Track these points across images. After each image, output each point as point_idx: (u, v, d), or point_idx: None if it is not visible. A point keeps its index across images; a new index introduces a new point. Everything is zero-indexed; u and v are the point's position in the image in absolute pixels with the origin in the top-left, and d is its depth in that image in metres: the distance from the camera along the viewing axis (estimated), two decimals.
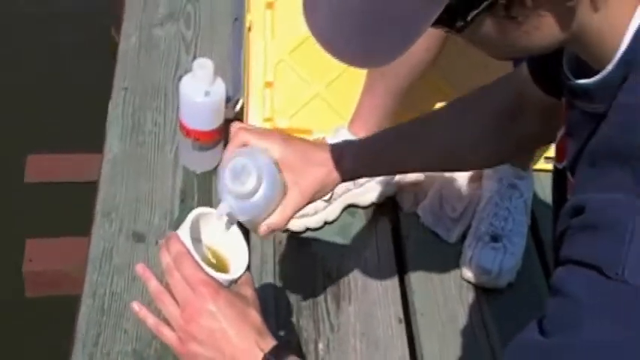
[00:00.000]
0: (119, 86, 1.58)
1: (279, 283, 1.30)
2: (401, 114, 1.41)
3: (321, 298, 1.30)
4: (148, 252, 1.33)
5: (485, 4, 0.62)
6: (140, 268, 0.89)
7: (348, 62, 0.66)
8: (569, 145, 0.77)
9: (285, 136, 0.99)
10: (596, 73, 0.69)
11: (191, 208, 0.95)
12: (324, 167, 0.98)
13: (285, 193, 0.94)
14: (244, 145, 0.95)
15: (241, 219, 0.93)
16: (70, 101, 2.25)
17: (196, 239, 0.90)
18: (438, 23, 0.63)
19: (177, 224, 1.02)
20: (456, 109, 1.05)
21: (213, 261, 0.91)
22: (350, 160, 1.00)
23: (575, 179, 0.74)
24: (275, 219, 0.94)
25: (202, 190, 1.43)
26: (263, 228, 0.94)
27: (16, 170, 1.83)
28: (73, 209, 1.58)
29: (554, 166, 0.86)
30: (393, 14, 0.62)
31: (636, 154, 0.63)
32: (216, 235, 0.92)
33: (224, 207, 0.91)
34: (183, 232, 0.88)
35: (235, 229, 0.93)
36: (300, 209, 0.97)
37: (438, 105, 1.52)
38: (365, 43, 0.64)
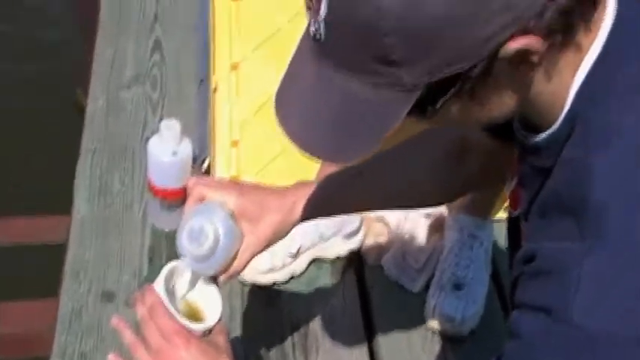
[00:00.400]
0: (87, 148, 1.61)
1: (247, 336, 1.32)
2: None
3: (289, 350, 1.32)
4: (118, 311, 1.34)
5: (452, 91, 0.65)
6: (115, 320, 0.92)
7: (324, 160, 0.70)
8: (521, 195, 0.82)
9: (241, 186, 1.03)
10: (545, 129, 0.73)
11: (160, 267, 0.98)
12: (279, 213, 1.01)
13: (242, 242, 0.98)
14: (201, 199, 0.99)
15: (201, 274, 0.96)
16: (35, 165, 2.27)
17: (171, 290, 0.92)
18: (410, 115, 0.66)
19: (146, 283, 1.04)
20: (405, 149, 1.07)
21: (187, 311, 0.94)
22: (304, 204, 1.03)
23: (527, 228, 0.78)
24: (233, 266, 0.97)
25: (171, 248, 1.44)
26: (222, 277, 0.98)
27: None
28: (41, 271, 1.58)
29: (509, 214, 0.91)
30: (362, 118, 0.65)
31: (580, 206, 0.67)
32: (190, 286, 0.95)
33: (184, 265, 0.95)
34: (158, 284, 0.91)
35: (208, 280, 0.96)
36: (257, 254, 1.00)
37: None
38: (338, 146, 0.67)
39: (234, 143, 1.55)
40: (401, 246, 1.45)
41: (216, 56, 1.62)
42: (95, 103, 1.72)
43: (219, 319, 0.94)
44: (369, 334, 1.37)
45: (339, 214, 1.27)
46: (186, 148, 1.42)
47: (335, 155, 0.69)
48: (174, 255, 1.43)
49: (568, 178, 0.70)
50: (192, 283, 0.95)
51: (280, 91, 0.72)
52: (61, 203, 1.58)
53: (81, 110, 1.75)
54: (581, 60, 0.68)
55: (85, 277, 1.39)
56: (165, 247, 1.45)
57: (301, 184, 1.08)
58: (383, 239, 1.47)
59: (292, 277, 1.41)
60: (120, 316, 0.93)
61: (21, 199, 2.04)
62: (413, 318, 1.37)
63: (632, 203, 0.65)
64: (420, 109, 0.66)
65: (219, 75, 1.61)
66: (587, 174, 0.67)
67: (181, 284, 0.95)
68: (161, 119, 1.55)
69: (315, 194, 1.05)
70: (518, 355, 0.70)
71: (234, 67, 1.62)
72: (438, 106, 0.66)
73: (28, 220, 1.79)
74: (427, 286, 1.40)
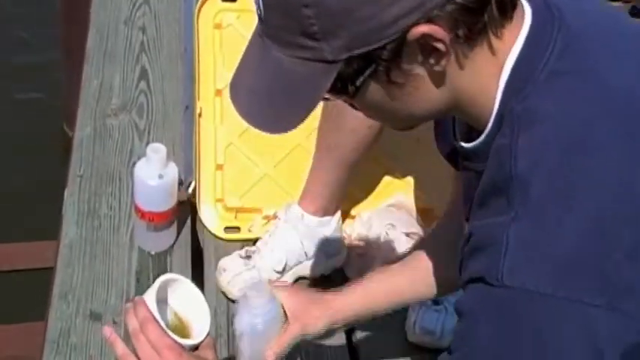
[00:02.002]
0: (74, 174, 1.65)
1: (233, 354, 1.35)
2: (347, 188, 1.51)
3: None
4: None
5: (368, 70, 0.72)
6: (107, 331, 0.94)
7: (262, 130, 0.77)
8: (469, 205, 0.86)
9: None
10: (481, 134, 0.79)
11: (147, 287, 1.01)
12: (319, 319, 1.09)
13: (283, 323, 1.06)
14: None
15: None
16: (22, 194, 2.30)
17: (162, 302, 0.95)
18: (334, 92, 0.74)
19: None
20: (423, 249, 1.14)
21: (177, 324, 0.96)
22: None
23: (470, 222, 0.82)
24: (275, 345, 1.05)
25: (157, 269, 1.48)
26: (268, 353, 1.04)
27: None
28: (28, 296, 1.61)
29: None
30: (293, 90, 0.73)
31: (507, 183, 0.73)
32: (181, 300, 0.98)
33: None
34: (149, 296, 0.94)
35: (200, 295, 0.99)
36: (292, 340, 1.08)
37: (381, 180, 1.63)
38: (276, 117, 0.75)
39: (219, 167, 1.60)
40: (383, 264, 1.49)
41: (200, 83, 1.67)
42: (82, 131, 1.75)
43: (208, 334, 0.97)
44: (352, 350, 1.40)
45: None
46: (173, 172, 1.46)
47: (273, 126, 0.77)
48: (160, 275, 1.48)
49: (497, 163, 0.76)
50: (185, 297, 0.98)
51: (235, 70, 0.79)
52: (49, 231, 1.61)
53: (67, 143, 1.78)
54: (501, 67, 0.75)
55: (73, 298, 1.42)
56: (151, 269, 1.48)
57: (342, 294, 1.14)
58: (365, 258, 1.51)
59: None
60: (111, 327, 0.95)
61: (5, 227, 2.07)
62: (394, 333, 1.41)
63: (551, 175, 0.71)
64: (343, 85, 0.74)
65: (204, 101, 1.66)
66: (511, 154, 0.73)
67: (173, 297, 0.98)
68: (147, 145, 1.59)
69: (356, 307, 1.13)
70: (462, 328, 0.75)
71: (219, 93, 1.66)
72: (358, 83, 0.73)
73: (15, 246, 1.82)
74: None
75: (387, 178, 1.63)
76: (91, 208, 1.58)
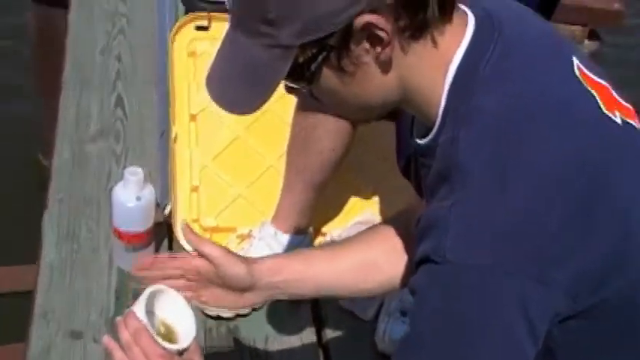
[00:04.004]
0: (54, 198, 1.70)
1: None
2: (317, 207, 1.58)
3: None
4: (86, 349, 1.42)
5: (320, 56, 0.81)
6: (106, 339, 0.99)
7: (229, 110, 0.86)
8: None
9: None
10: (430, 131, 0.87)
11: (126, 305, 1.05)
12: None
13: None
14: None
15: None
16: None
17: (150, 313, 1.01)
18: (294, 78, 0.83)
19: (113, 320, 1.11)
20: (372, 232, 1.17)
21: (164, 331, 1.02)
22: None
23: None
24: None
25: (136, 287, 1.53)
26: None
27: None
28: (5, 319, 1.64)
29: None
30: (256, 74, 0.83)
31: (450, 171, 0.82)
32: (167, 309, 1.04)
33: None
34: (139, 307, 0.99)
35: (184, 303, 1.04)
36: None
37: (350, 198, 1.70)
38: (243, 99, 0.85)
39: (195, 188, 1.66)
40: None
41: (176, 108, 1.74)
42: (61, 157, 1.80)
43: (194, 339, 1.02)
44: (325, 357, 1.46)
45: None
46: (150, 194, 1.52)
47: (239, 107, 0.86)
48: (139, 294, 1.53)
49: (442, 156, 0.84)
50: (170, 305, 1.04)
51: (211, 63, 0.88)
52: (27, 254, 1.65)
53: (42, 173, 1.82)
54: (447, 66, 0.84)
55: (53, 317, 1.46)
56: (130, 287, 1.53)
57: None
58: None
59: (253, 310, 1.50)
60: (109, 337, 0.99)
61: None
62: (365, 343, 1.47)
63: (488, 162, 0.80)
64: (300, 71, 0.83)
65: (179, 125, 1.72)
66: (453, 146, 0.82)
67: (159, 307, 1.04)
68: (124, 169, 1.65)
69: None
70: (415, 305, 0.83)
71: (193, 117, 1.73)
72: (313, 68, 0.83)
73: None
74: (378, 314, 1.50)
75: (355, 197, 1.70)
76: (70, 230, 1.63)
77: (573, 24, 3.10)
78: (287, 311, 1.52)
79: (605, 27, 3.24)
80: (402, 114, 1.01)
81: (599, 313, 0.82)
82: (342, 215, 1.68)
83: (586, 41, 3.17)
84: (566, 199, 0.79)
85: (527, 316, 0.77)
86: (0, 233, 2.24)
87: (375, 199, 1.71)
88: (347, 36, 0.80)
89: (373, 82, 0.85)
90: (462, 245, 0.78)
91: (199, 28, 1.86)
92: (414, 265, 0.84)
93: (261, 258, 1.13)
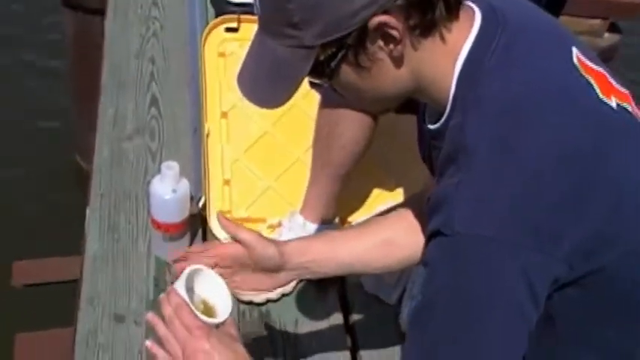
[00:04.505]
0: (95, 193, 1.80)
1: (245, 346, 1.49)
2: (343, 198, 1.66)
3: (280, 357, 1.49)
4: (129, 331, 1.52)
5: (340, 54, 0.90)
6: (150, 315, 1.08)
7: (258, 105, 0.95)
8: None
9: None
10: (441, 117, 0.96)
11: (164, 291, 1.14)
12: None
13: None
14: None
15: None
16: (45, 218, 2.47)
17: (190, 290, 1.10)
18: (316, 75, 0.92)
19: (153, 306, 1.19)
20: (390, 214, 1.26)
21: (203, 307, 1.11)
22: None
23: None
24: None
25: (173, 275, 1.63)
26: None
27: (3, 276, 2.01)
28: (57, 306, 1.76)
29: None
30: (282, 72, 0.92)
31: (458, 153, 0.90)
32: (205, 287, 1.13)
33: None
34: (180, 284, 1.08)
35: (221, 282, 1.13)
36: None
37: (374, 189, 1.79)
38: (271, 94, 0.94)
39: (226, 182, 1.75)
40: None
41: (208, 106, 1.83)
42: (101, 155, 1.91)
43: (230, 314, 1.12)
44: (352, 343, 1.55)
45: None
46: (185, 187, 1.61)
47: (267, 101, 0.96)
48: (176, 280, 1.63)
49: (451, 138, 0.93)
50: (208, 282, 1.13)
51: (242, 61, 0.97)
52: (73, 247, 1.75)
53: (80, 173, 1.92)
54: (455, 59, 0.93)
55: (98, 303, 1.57)
56: (168, 275, 1.63)
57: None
58: None
59: (283, 295, 1.59)
60: (153, 314, 1.08)
61: (35, 245, 2.23)
62: (390, 326, 1.55)
63: (492, 143, 0.88)
64: (321, 68, 0.92)
65: (211, 122, 1.82)
66: (461, 129, 0.90)
67: (198, 285, 1.13)
68: (160, 165, 1.75)
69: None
70: (428, 275, 0.91)
71: (224, 115, 1.83)
72: (333, 65, 0.91)
73: (41, 261, 1.97)
74: (401, 298, 1.58)
75: (378, 188, 1.79)
76: (111, 223, 1.74)
77: (593, 17, 3.15)
78: (315, 296, 1.61)
79: (624, 19, 3.28)
80: (421, 107, 1.09)
81: (593, 283, 0.90)
82: (366, 205, 1.76)
83: (606, 34, 3.21)
84: (563, 178, 0.87)
85: (529, 280, 0.85)
86: (44, 228, 2.36)
87: (398, 190, 1.79)
88: (363, 35, 0.89)
89: (388, 76, 0.93)
90: (469, 218, 0.86)
91: (229, 29, 1.95)
92: (426, 240, 0.93)
93: (289, 240, 1.22)
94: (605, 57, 3.15)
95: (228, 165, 1.77)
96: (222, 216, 1.17)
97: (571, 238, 0.86)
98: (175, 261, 1.17)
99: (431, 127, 1.00)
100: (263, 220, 1.72)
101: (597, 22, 3.13)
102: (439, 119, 0.97)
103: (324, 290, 1.62)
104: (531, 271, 0.85)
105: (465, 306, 0.87)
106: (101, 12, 2.31)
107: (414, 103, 1.06)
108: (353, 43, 0.90)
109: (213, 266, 1.16)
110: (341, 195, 1.66)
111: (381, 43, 0.90)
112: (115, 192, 1.81)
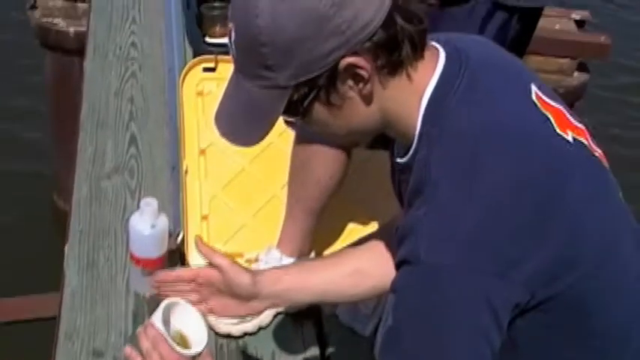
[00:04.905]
0: (75, 230, 1.83)
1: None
2: (319, 232, 1.70)
3: None
4: None
5: (312, 94, 0.95)
6: (128, 351, 1.11)
7: (235, 143, 0.99)
8: None
9: None
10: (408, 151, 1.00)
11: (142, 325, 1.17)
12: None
13: None
14: None
15: None
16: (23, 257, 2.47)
17: (166, 323, 1.13)
18: (289, 113, 0.96)
19: (132, 340, 1.22)
20: (361, 244, 1.30)
21: (179, 338, 1.13)
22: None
23: None
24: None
25: (151, 310, 1.64)
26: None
27: None
28: (36, 343, 1.76)
29: None
30: (257, 112, 0.96)
31: (424, 185, 0.94)
32: (182, 319, 1.15)
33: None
34: (157, 318, 1.11)
35: (197, 313, 1.16)
36: None
37: (349, 223, 1.82)
38: (242, 131, 0.98)
39: (204, 217, 1.78)
40: None
41: (186, 143, 1.87)
42: (79, 193, 1.93)
43: (207, 346, 1.14)
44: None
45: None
46: (163, 222, 1.64)
47: (245, 140, 0.99)
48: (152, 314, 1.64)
49: (417, 172, 0.97)
50: (184, 316, 1.15)
51: (219, 101, 1.01)
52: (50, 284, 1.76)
53: (57, 212, 1.93)
54: (421, 97, 0.98)
55: (77, 338, 1.58)
56: (147, 309, 1.65)
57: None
58: None
59: (260, 328, 1.62)
60: (131, 348, 1.11)
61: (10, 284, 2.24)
62: (365, 357, 1.58)
63: (456, 177, 0.93)
64: (295, 107, 0.97)
65: (190, 159, 1.86)
66: (427, 163, 0.95)
67: (175, 318, 1.15)
68: (139, 203, 1.77)
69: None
70: (395, 301, 0.95)
71: (202, 152, 1.87)
72: (306, 104, 0.96)
73: (20, 300, 1.98)
74: (376, 330, 1.61)
75: (353, 222, 1.82)
76: (90, 260, 1.76)
77: (563, 57, 3.25)
78: (292, 329, 1.64)
79: (592, 60, 3.39)
80: (392, 142, 1.14)
81: (553, 307, 0.94)
82: (341, 239, 1.79)
83: (575, 73, 3.31)
84: (521, 210, 0.92)
85: (492, 306, 0.90)
86: (20, 267, 2.36)
87: (372, 224, 1.82)
88: (334, 75, 0.94)
89: (359, 113, 0.98)
90: (432, 248, 0.91)
91: (207, 69, 2.00)
92: (395, 268, 0.97)
93: (264, 270, 1.25)
94: (573, 96, 3.26)
95: (207, 201, 1.80)
96: (199, 240, 1.20)
97: (531, 264, 0.91)
98: (155, 283, 1.20)
99: (399, 160, 1.04)
100: (240, 255, 1.75)
101: (566, 61, 3.23)
102: (407, 153, 1.02)
103: (301, 323, 1.65)
104: (494, 298, 0.90)
105: (431, 331, 0.91)
106: (80, 52, 2.35)
107: (385, 138, 1.11)
108: (324, 83, 0.94)
109: (190, 292, 1.18)
110: (317, 229, 1.69)
111: (351, 82, 0.95)
112: (93, 229, 1.83)
